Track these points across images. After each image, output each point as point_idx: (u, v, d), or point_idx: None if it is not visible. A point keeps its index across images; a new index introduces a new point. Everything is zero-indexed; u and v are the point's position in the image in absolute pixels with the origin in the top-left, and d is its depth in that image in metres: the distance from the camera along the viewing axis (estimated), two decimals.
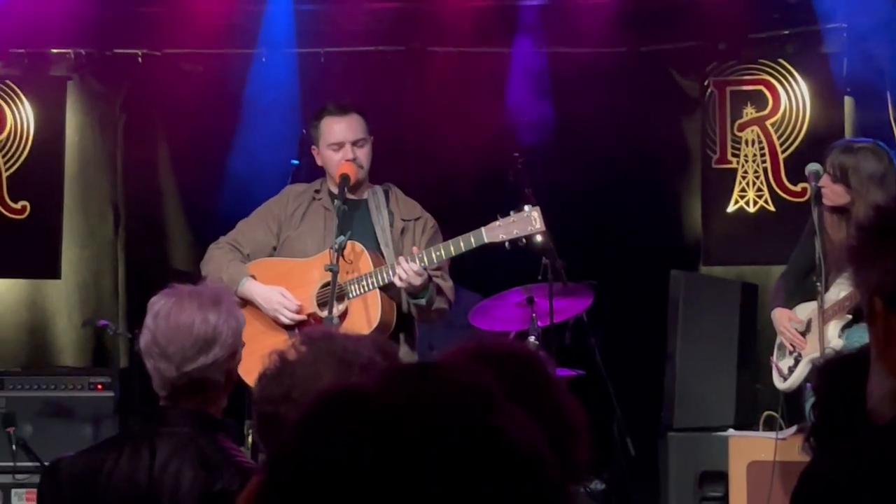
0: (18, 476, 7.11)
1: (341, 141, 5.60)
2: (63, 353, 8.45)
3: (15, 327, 8.45)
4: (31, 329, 8.47)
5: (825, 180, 5.95)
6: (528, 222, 5.32)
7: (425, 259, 5.38)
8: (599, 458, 7.50)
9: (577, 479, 2.10)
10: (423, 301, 5.44)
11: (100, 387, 7.27)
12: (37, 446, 7.12)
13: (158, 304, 3.34)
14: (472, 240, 5.33)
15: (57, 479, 3.33)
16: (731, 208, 8.30)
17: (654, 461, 7.31)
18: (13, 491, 7.14)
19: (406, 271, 5.26)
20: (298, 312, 5.53)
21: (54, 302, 8.51)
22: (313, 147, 5.73)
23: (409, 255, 5.35)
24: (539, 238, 5.38)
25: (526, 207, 5.36)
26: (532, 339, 6.70)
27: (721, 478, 6.78)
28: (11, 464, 7.14)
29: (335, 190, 5.58)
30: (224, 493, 3.17)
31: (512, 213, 5.34)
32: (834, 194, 5.93)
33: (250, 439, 5.63)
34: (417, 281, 5.30)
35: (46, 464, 6.70)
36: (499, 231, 5.31)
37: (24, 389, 7.37)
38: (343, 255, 5.31)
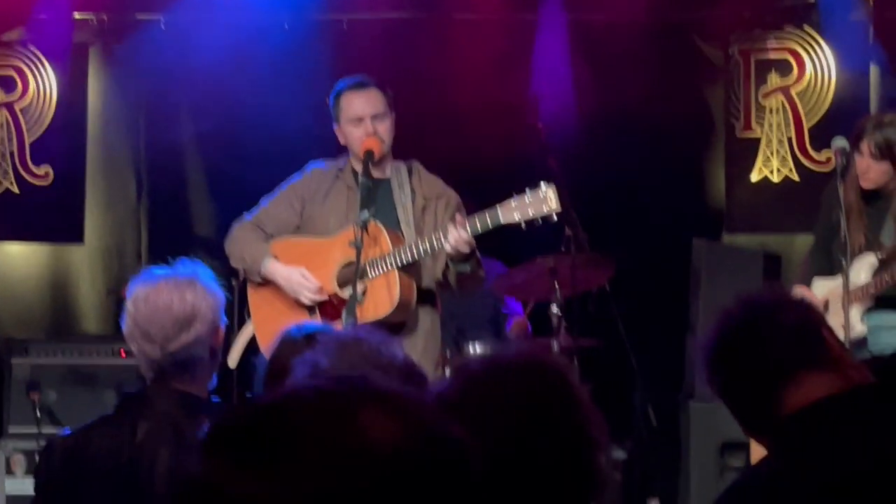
0: (42, 442, 7.14)
1: (361, 115, 5.57)
2: (86, 319, 8.49)
3: (38, 293, 8.50)
4: (55, 295, 8.51)
5: (866, 161, 5.71)
6: (543, 202, 5.26)
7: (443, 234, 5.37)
8: (621, 427, 7.51)
9: (596, 489, 2.12)
10: (467, 268, 5.45)
11: (123, 353, 7.30)
12: (61, 413, 7.17)
13: (136, 290, 3.46)
14: (489, 220, 5.29)
15: (51, 456, 3.44)
16: (755, 177, 8.27)
17: (675, 431, 7.32)
18: (37, 456, 7.18)
19: (456, 239, 5.25)
20: (318, 292, 5.54)
21: (77, 267, 8.54)
22: (335, 125, 5.71)
23: (459, 224, 5.31)
24: (555, 218, 5.33)
25: (542, 185, 5.28)
26: (554, 308, 6.70)
27: (743, 448, 6.78)
28: (35, 430, 7.19)
29: (358, 167, 5.56)
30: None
31: (528, 190, 5.28)
32: (878, 174, 5.74)
33: None
34: (466, 249, 5.30)
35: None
36: (514, 211, 5.27)
37: (48, 356, 7.43)
38: (367, 231, 5.31)
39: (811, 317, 2.71)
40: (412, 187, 5.65)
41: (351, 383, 1.42)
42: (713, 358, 2.71)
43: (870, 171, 5.76)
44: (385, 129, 5.60)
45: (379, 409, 1.39)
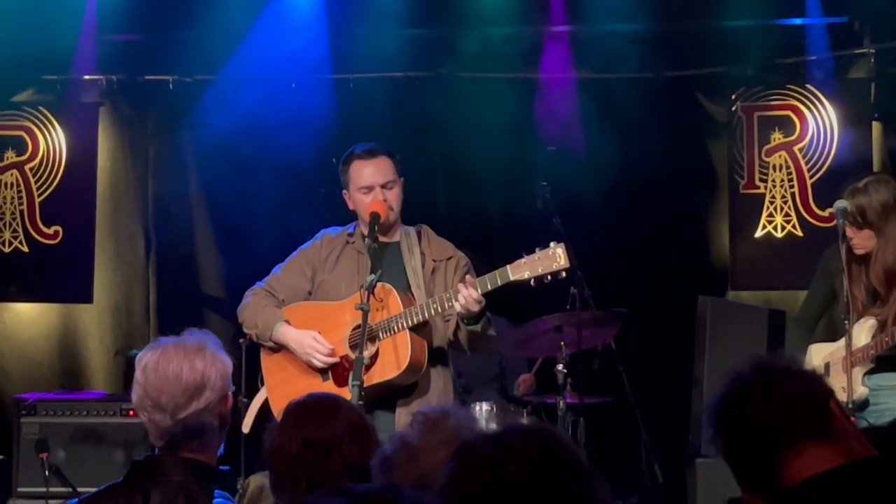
0: (52, 501, 7.16)
1: (371, 185, 5.63)
2: (95, 378, 8.52)
3: (48, 352, 8.54)
4: (64, 354, 8.55)
5: (850, 231, 5.82)
6: (552, 259, 5.32)
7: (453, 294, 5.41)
8: (628, 484, 7.52)
9: None
10: (478, 327, 5.49)
11: (132, 413, 7.31)
12: (69, 472, 7.17)
13: (145, 359, 3.43)
14: (498, 278, 5.35)
15: None
16: (758, 233, 8.32)
17: (682, 487, 7.31)
18: None
19: (466, 298, 5.30)
20: (330, 355, 5.57)
21: (86, 326, 8.59)
22: (344, 192, 5.76)
23: (469, 283, 5.36)
24: (563, 275, 5.39)
25: (551, 244, 5.35)
26: (560, 365, 6.72)
27: None
28: (44, 489, 7.19)
29: (367, 232, 5.61)
30: None
31: (537, 250, 5.34)
32: (863, 240, 5.83)
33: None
34: (476, 308, 5.36)
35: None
36: (524, 269, 5.33)
37: (57, 415, 7.45)
38: (374, 294, 5.34)
39: (819, 388, 2.73)
40: (421, 250, 5.69)
41: (373, 501, 1.41)
42: (719, 418, 2.73)
43: (854, 238, 5.83)
44: (394, 196, 5.65)
45: None
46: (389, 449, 2.69)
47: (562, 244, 5.35)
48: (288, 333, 5.64)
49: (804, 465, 2.60)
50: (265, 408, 5.69)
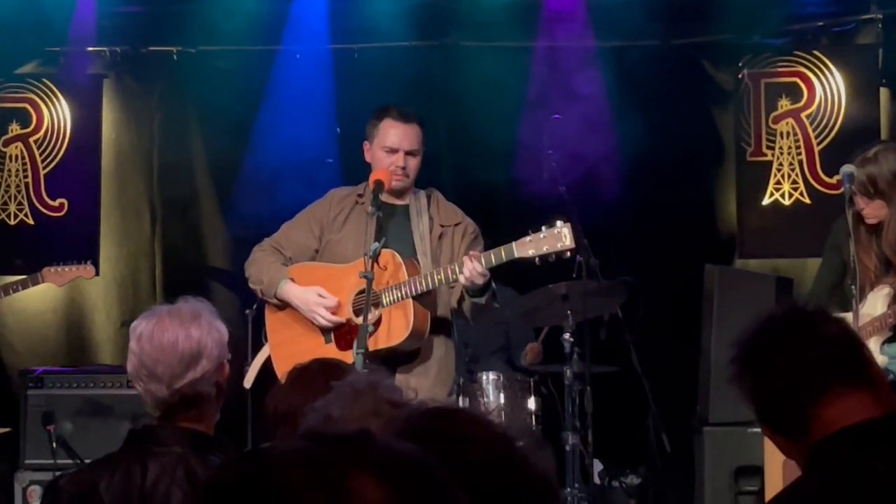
0: (58, 473, 7.16)
1: (396, 148, 5.65)
2: (101, 350, 8.53)
3: (54, 325, 8.54)
4: (70, 327, 8.55)
5: (861, 201, 5.73)
6: (558, 239, 5.36)
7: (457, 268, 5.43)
8: (635, 453, 7.51)
9: None
10: (482, 300, 5.51)
11: None
12: (76, 444, 7.17)
13: (140, 328, 3.38)
14: (503, 254, 5.39)
15: (57, 495, 3.35)
16: (766, 201, 8.29)
17: (689, 456, 7.31)
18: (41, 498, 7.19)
19: (471, 271, 5.32)
20: (335, 312, 5.58)
21: (92, 299, 8.58)
22: (366, 142, 5.76)
23: (474, 257, 5.37)
24: (568, 255, 5.41)
25: (558, 224, 5.38)
26: (567, 335, 6.71)
27: (757, 472, 6.78)
28: (52, 461, 7.20)
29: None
30: None
31: (544, 228, 5.37)
32: (874, 210, 5.75)
33: None
34: (480, 281, 5.39)
35: (84, 461, 6.80)
36: (529, 247, 5.36)
37: (64, 387, 7.46)
38: (378, 262, 5.36)
39: (854, 335, 2.68)
40: (430, 215, 5.71)
41: (344, 445, 1.35)
42: (749, 357, 2.63)
43: (866, 208, 5.77)
44: (414, 165, 5.70)
45: (370, 474, 1.34)
46: (311, 420, 2.62)
47: (567, 224, 5.38)
48: (292, 291, 5.67)
49: (839, 411, 2.52)
50: (268, 364, 5.72)
